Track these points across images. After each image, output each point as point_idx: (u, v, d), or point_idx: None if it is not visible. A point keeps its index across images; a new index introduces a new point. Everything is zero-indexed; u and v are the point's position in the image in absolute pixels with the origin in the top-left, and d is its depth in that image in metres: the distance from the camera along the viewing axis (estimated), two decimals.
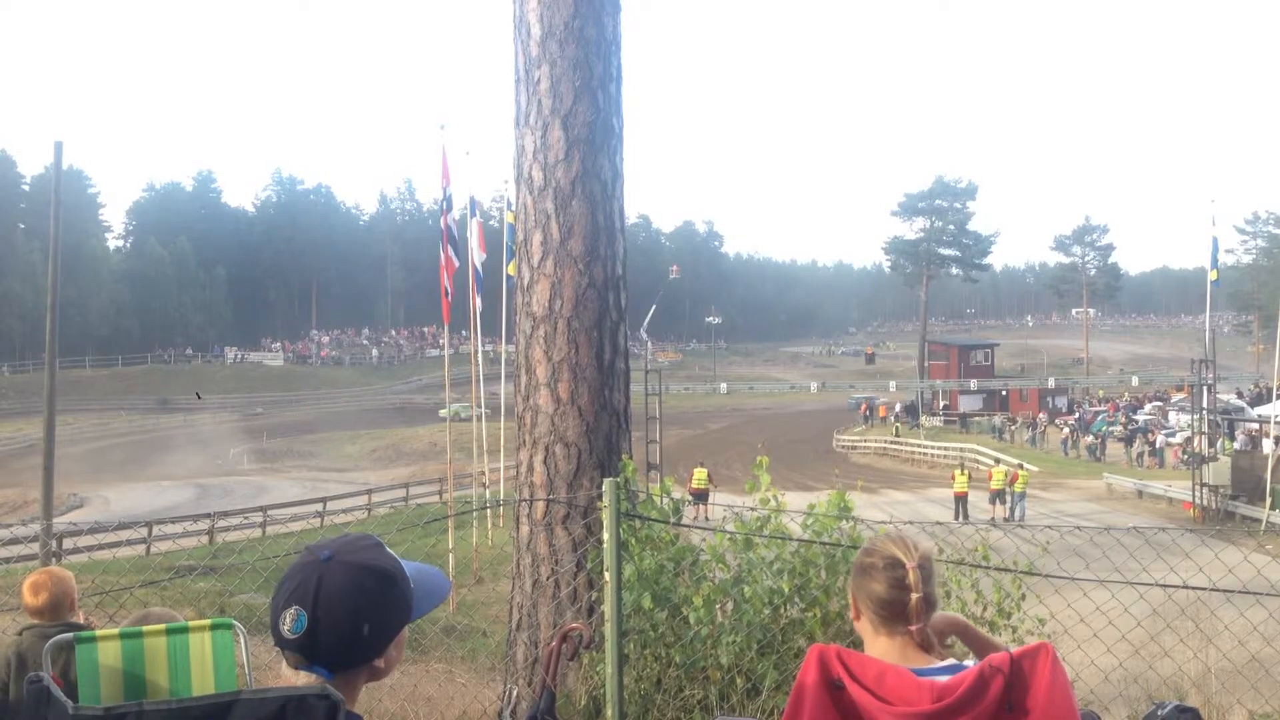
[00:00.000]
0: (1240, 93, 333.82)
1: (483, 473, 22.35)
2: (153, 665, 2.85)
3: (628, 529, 5.38)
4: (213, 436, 66.75)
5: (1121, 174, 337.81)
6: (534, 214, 6.30)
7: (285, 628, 1.71)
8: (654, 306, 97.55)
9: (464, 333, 55.57)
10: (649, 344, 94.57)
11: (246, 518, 28.31)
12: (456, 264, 20.41)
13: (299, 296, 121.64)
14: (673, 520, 5.77)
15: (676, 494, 6.10)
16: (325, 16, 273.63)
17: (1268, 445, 35.17)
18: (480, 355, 22.05)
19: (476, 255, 22.00)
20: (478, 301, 21.78)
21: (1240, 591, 4.98)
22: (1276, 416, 36.73)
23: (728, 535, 5.65)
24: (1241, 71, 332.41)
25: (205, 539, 25.62)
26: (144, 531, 24.90)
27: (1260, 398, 60.55)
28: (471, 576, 18.19)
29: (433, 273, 21.17)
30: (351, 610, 1.72)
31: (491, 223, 34.29)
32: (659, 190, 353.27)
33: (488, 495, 22.25)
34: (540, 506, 6.19)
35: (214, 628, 2.94)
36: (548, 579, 6.11)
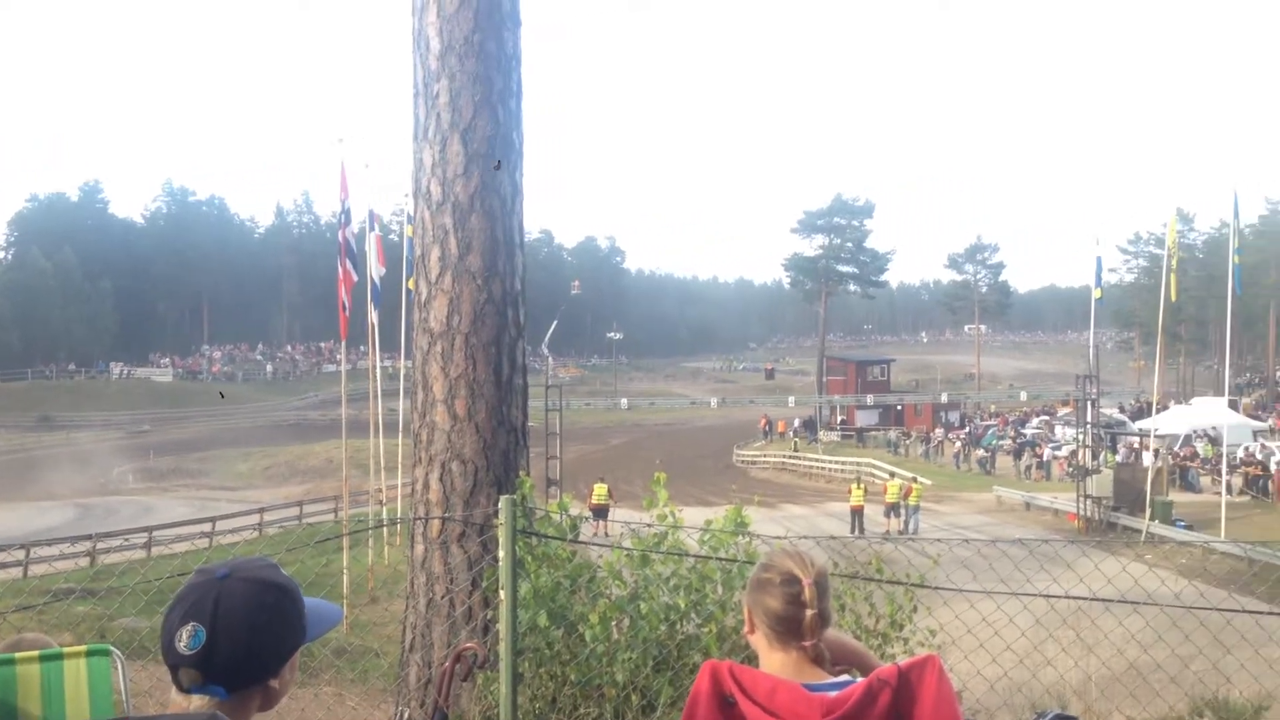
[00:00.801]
0: (1122, 119, 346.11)
1: (380, 490, 22.01)
2: (25, 694, 2.74)
3: (524, 546, 5.34)
4: (97, 455, 64.62)
5: (1012, 195, 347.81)
6: (432, 229, 6.24)
7: (182, 644, 1.68)
8: (555, 322, 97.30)
9: (362, 348, 54.81)
10: (550, 359, 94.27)
11: (129, 539, 27.49)
12: (355, 278, 20.12)
13: (189, 311, 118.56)
14: (570, 537, 5.75)
15: (574, 510, 6.08)
16: (220, 24, 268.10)
17: (1148, 458, 36.42)
18: (378, 371, 21.73)
19: (375, 270, 21.71)
20: (376, 316, 21.50)
21: (1118, 601, 5.15)
22: (1156, 430, 38.10)
23: (625, 551, 5.65)
24: (1124, 98, 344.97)
25: (86, 561, 24.77)
26: (20, 554, 24.02)
27: (1141, 412, 62.73)
28: (366, 596, 17.90)
29: (330, 287, 20.85)
30: (250, 625, 1.71)
31: (391, 237, 33.89)
32: (561, 206, 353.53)
33: (384, 513, 21.92)
34: (435, 524, 6.12)
35: (90, 654, 2.84)
36: (442, 598, 6.04)
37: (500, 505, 5.05)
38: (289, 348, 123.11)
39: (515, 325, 6.38)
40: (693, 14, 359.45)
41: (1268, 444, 45.41)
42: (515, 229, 6.40)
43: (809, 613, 2.28)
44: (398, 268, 24.69)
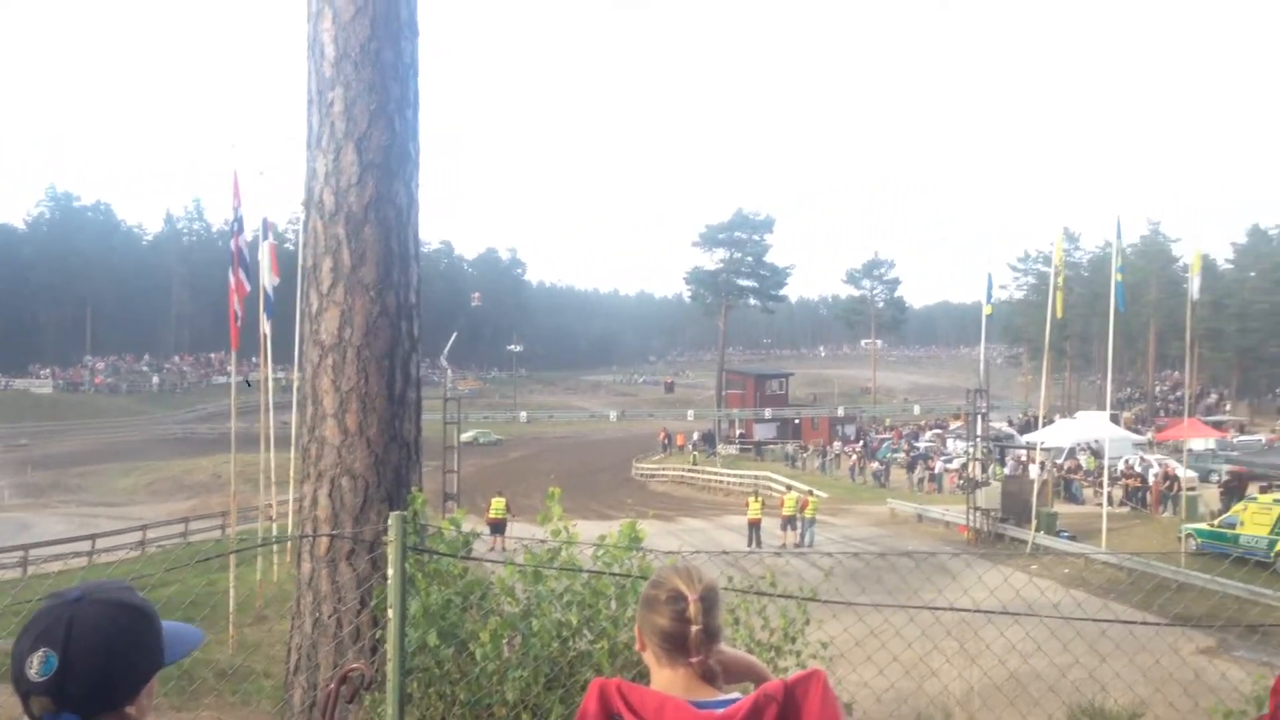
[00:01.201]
0: (1013, 140, 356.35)
1: (269, 506, 21.52)
2: None
3: (415, 563, 5.26)
4: None
5: (908, 212, 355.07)
6: (325, 239, 6.12)
7: (33, 671, 1.63)
8: (455, 334, 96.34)
9: (254, 359, 53.62)
10: (449, 372, 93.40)
11: (2, 558, 26.44)
12: (248, 288, 19.70)
13: (72, 320, 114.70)
14: (462, 553, 5.68)
15: (468, 526, 6.00)
16: (109, 24, 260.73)
17: (1034, 470, 37.43)
18: (271, 383, 21.28)
19: (268, 279, 21.28)
20: (269, 327, 21.07)
21: (999, 612, 5.26)
22: (1042, 443, 39.17)
23: (518, 568, 5.60)
24: (1013, 120, 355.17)
25: None
26: None
27: (1028, 425, 64.46)
28: (252, 615, 17.47)
29: (222, 297, 20.33)
30: (106, 649, 1.66)
31: (287, 245, 33.32)
32: (462, 217, 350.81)
33: (274, 529, 21.44)
34: (323, 542, 5.99)
35: None
36: (329, 617, 5.91)
37: (390, 521, 4.96)
38: (177, 359, 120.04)
39: (409, 338, 6.30)
40: (596, 27, 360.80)
41: (1146, 457, 47.07)
42: (410, 240, 6.32)
43: (694, 629, 2.27)
44: (293, 277, 24.21)
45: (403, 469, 6.24)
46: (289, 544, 19.13)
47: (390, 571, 4.89)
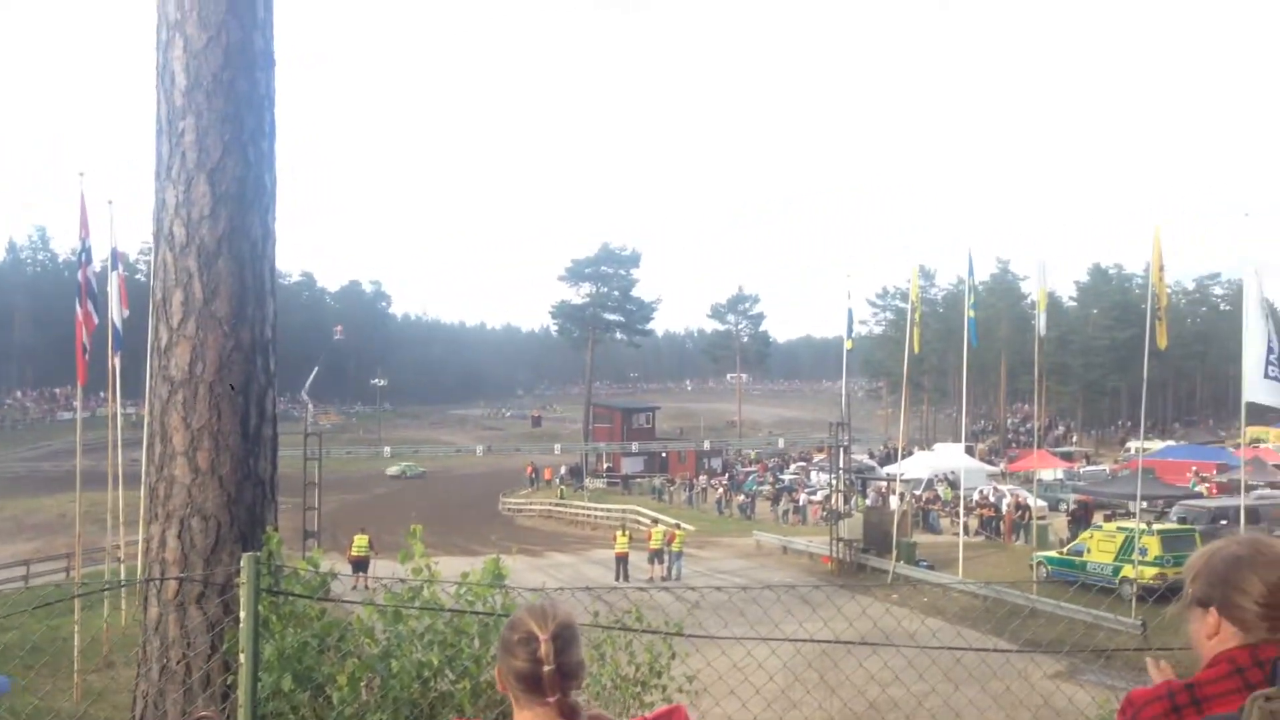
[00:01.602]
0: (871, 177, 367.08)
1: (117, 547, 20.65)
2: None
3: (269, 605, 5.10)
4: None
5: (771, 247, 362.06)
6: (175, 272, 5.92)
7: None
8: (316, 368, 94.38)
9: (102, 394, 51.55)
10: (310, 406, 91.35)
11: None
12: (96, 321, 19.01)
13: None
14: (319, 594, 5.53)
15: (327, 565, 5.85)
16: None
17: (894, 501, 38.39)
18: (119, 419, 20.48)
19: (117, 312, 20.53)
20: (118, 361, 20.31)
21: (857, 643, 5.36)
22: (902, 475, 40.22)
23: (377, 608, 5.48)
24: (874, 158, 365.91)
25: None
26: None
27: (889, 457, 66.12)
28: (100, 661, 16.71)
29: (68, 329, 19.54)
30: None
31: (138, 277, 32.22)
32: (325, 249, 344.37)
33: (122, 571, 20.58)
34: (172, 585, 5.76)
35: None
36: (178, 663, 5.67)
37: (243, 563, 4.81)
38: (19, 394, 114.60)
39: (265, 373, 6.13)
40: (463, 57, 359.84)
41: (999, 487, 48.71)
42: (266, 274, 6.16)
43: (547, 669, 2.28)
44: (143, 310, 23.41)
45: (257, 508, 6.05)
46: (137, 587, 18.39)
47: (243, 614, 4.73)
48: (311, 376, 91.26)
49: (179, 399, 5.87)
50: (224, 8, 5.89)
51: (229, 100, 5.89)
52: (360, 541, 31.30)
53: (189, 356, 5.87)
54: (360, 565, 28.88)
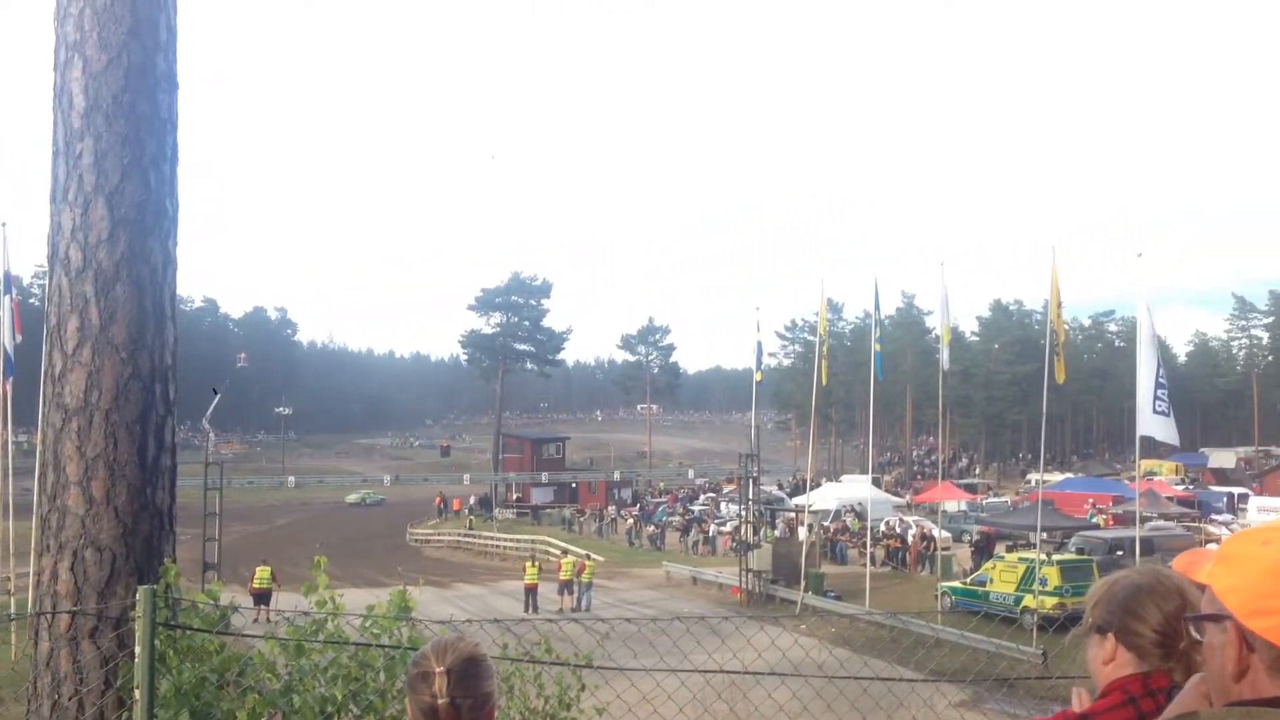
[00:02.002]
0: (779, 212, 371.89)
1: (8, 579, 19.95)
2: None
3: (166, 640, 4.96)
4: None
5: (682, 279, 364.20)
6: (70, 297, 5.76)
7: None
8: (218, 396, 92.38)
9: None
10: (212, 435, 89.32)
11: None
12: None
13: None
14: (218, 628, 5.40)
15: (227, 598, 5.72)
16: None
17: (803, 532, 38.72)
18: (10, 447, 19.82)
19: (9, 337, 19.91)
20: (9, 387, 19.68)
21: (766, 674, 5.39)
22: (810, 506, 40.60)
23: (279, 642, 5.36)
24: (778, 192, 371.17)
25: None
26: None
27: (798, 488, 66.83)
28: None
29: None
30: None
31: (31, 301, 31.29)
32: (229, 275, 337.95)
33: (13, 604, 19.87)
34: (64, 619, 5.56)
35: None
36: (69, 700, 5.48)
37: (138, 596, 4.67)
38: None
39: (164, 402, 5.98)
40: (369, 80, 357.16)
41: (905, 518, 49.49)
42: (167, 300, 6.02)
43: (441, 703, 2.29)
44: (38, 335, 22.77)
45: (154, 539, 5.88)
46: (27, 620, 17.74)
47: (138, 649, 4.60)
48: (213, 405, 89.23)
49: (73, 427, 5.70)
50: (125, 29, 5.77)
51: (129, 123, 5.77)
52: (262, 573, 30.63)
53: (84, 384, 5.70)
54: (262, 598, 28.26)
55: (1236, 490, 58.73)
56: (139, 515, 5.79)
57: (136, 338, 5.79)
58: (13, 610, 19.19)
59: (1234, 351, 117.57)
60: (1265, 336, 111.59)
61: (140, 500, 5.80)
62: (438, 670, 2.30)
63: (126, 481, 5.75)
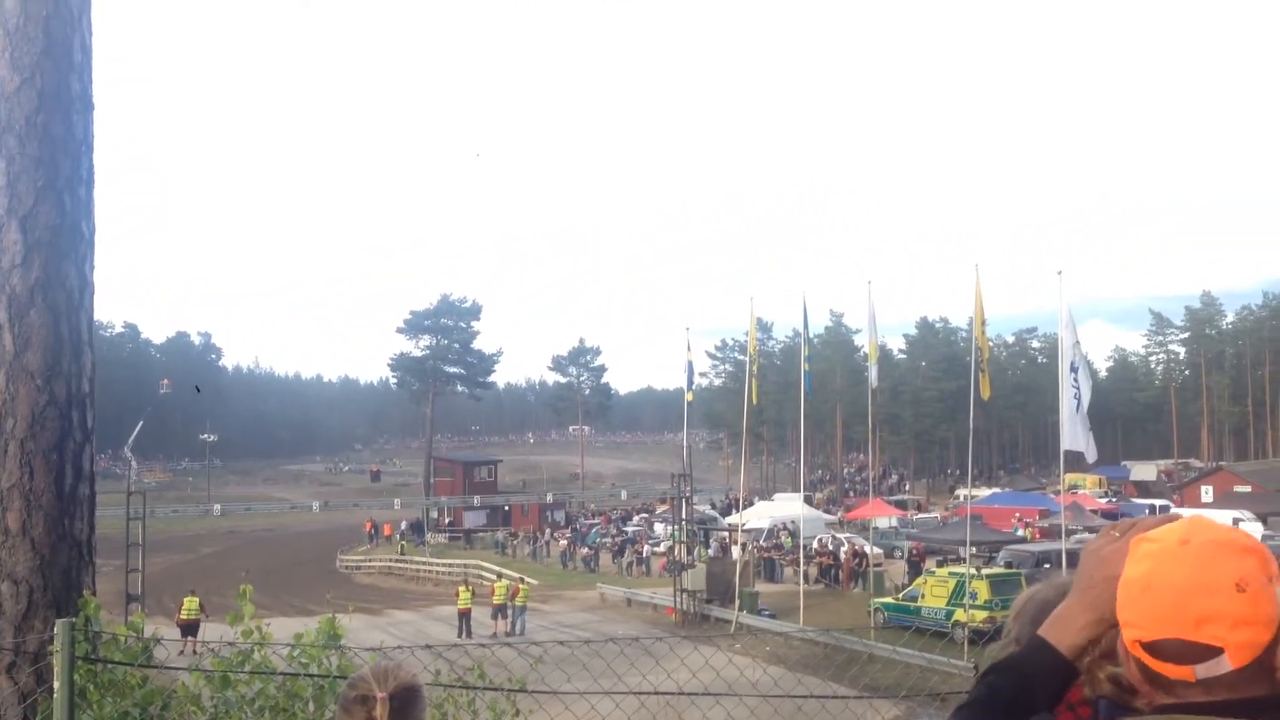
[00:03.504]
0: (705, 229, 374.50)
1: None
2: None
3: (86, 674, 4.83)
4: None
5: (612, 299, 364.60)
6: None
7: None
8: (141, 423, 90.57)
9: None
10: (134, 463, 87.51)
11: None
12: None
13: None
14: (140, 661, 5.27)
15: (150, 630, 5.59)
16: None
17: (736, 551, 38.87)
18: None
19: None
20: None
21: (700, 694, 5.39)
22: (744, 524, 40.79)
23: (204, 674, 5.24)
24: (703, 209, 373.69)
25: None
26: None
27: (730, 507, 67.03)
28: None
29: None
30: None
31: None
32: (150, 299, 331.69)
33: None
34: None
35: None
36: None
37: (56, 629, 4.55)
38: None
39: (81, 429, 5.84)
40: (292, 99, 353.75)
41: (838, 535, 49.89)
42: (84, 325, 5.89)
43: None
44: None
45: (73, 571, 5.74)
46: None
47: (56, 684, 4.47)
48: (135, 432, 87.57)
49: None
50: (39, 50, 5.67)
51: (43, 144, 5.66)
52: (190, 604, 30.04)
53: None
54: (190, 629, 27.68)
55: (1158, 502, 60.03)
56: (57, 546, 5.65)
57: (52, 364, 5.66)
58: None
59: (1152, 366, 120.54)
60: (1182, 351, 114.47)
61: (58, 531, 5.66)
62: (379, 696, 2.26)
63: (43, 512, 5.61)
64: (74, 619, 4.74)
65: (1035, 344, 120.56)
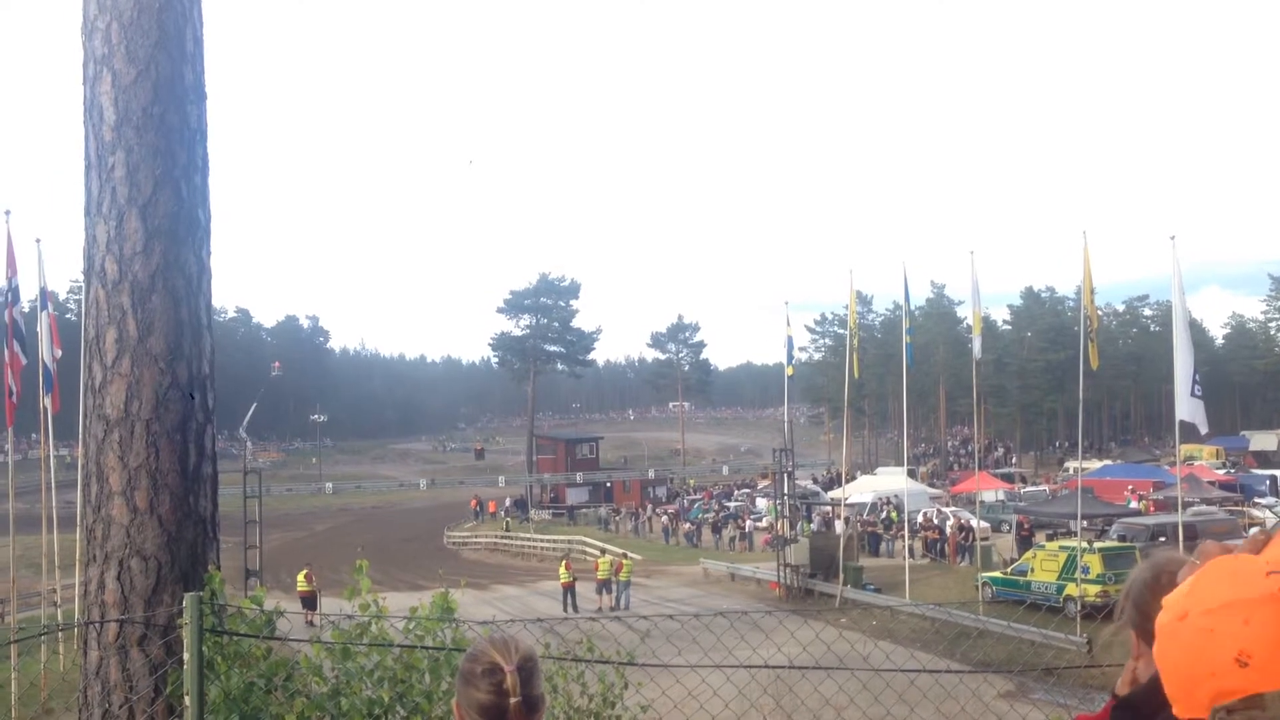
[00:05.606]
0: (807, 205, 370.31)
1: (54, 590, 20.17)
2: None
3: (213, 646, 4.99)
4: None
5: (710, 275, 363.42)
6: (108, 309, 5.81)
7: None
8: (255, 404, 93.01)
9: (34, 436, 50.43)
10: (249, 444, 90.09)
11: None
12: (23, 361, 18.65)
13: None
14: (264, 633, 5.42)
15: (270, 604, 5.74)
16: None
17: (839, 526, 38.57)
18: (53, 461, 20.03)
19: (48, 352, 20.12)
20: (49, 402, 19.88)
21: (811, 667, 5.36)
22: (846, 499, 40.43)
23: (325, 646, 5.38)
24: (802, 184, 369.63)
25: None
26: None
27: (833, 482, 66.53)
28: (38, 707, 16.29)
29: None
30: None
31: (69, 316, 31.61)
32: (260, 283, 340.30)
33: (59, 616, 20.12)
34: (112, 628, 5.61)
35: None
36: (120, 708, 5.52)
37: (185, 603, 4.70)
38: None
39: (203, 410, 6.02)
40: (387, 92, 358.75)
41: (942, 509, 49.19)
42: (202, 309, 6.06)
43: (513, 701, 2.26)
44: (76, 349, 22.98)
45: (199, 547, 5.92)
46: (75, 631, 17.95)
47: (186, 656, 4.63)
48: (250, 413, 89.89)
49: (115, 438, 5.74)
50: (153, 42, 5.81)
51: (160, 134, 5.81)
52: (301, 578, 30.89)
53: (124, 394, 5.75)
54: (309, 601, 28.49)
55: (1279, 473, 57.97)
56: (183, 523, 5.84)
57: (174, 348, 5.83)
58: (60, 621, 19.44)
59: (1271, 332, 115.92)
60: None
61: (184, 508, 5.84)
62: (508, 668, 2.27)
63: (169, 490, 5.79)
64: (201, 593, 4.89)
65: (1147, 312, 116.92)
